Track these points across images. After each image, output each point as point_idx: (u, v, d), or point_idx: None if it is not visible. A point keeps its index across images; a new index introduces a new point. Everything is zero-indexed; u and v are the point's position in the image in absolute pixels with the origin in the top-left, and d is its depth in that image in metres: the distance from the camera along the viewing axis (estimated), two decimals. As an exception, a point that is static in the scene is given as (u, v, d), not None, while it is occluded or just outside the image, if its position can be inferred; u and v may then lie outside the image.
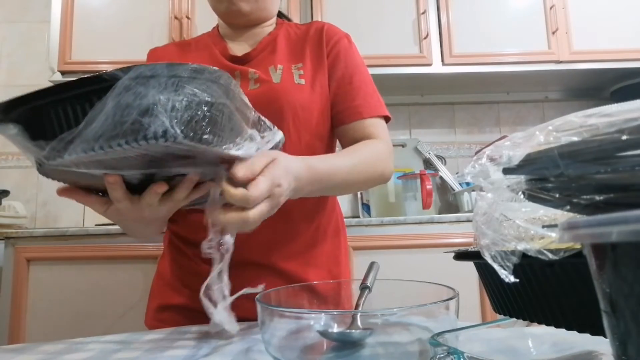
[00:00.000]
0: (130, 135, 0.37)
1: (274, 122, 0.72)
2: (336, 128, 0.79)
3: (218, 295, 0.50)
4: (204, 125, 0.40)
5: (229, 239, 0.50)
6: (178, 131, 0.37)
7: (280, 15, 0.91)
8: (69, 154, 0.37)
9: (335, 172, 0.65)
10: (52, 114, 0.38)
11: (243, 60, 0.79)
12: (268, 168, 0.49)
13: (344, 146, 0.78)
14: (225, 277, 0.50)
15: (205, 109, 0.40)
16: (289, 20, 0.93)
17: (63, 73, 1.89)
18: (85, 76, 0.36)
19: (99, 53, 1.89)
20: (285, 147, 0.72)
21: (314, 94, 0.76)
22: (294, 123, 0.73)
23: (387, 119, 0.80)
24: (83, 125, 0.37)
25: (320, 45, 0.80)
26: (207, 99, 0.40)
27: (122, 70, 0.36)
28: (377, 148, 0.74)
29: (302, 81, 0.75)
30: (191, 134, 0.39)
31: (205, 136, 0.40)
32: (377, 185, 0.76)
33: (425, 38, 1.96)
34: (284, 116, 0.73)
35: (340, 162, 0.66)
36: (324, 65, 0.78)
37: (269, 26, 0.84)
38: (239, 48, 0.82)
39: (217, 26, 0.87)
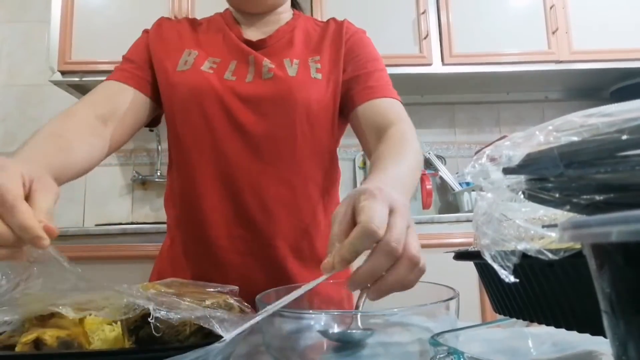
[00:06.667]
0: None
1: (286, 116, 0.72)
2: (351, 112, 0.76)
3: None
4: None
5: None
6: None
7: (293, 4, 0.89)
8: None
9: (404, 176, 0.57)
10: None
11: (258, 45, 0.77)
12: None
13: (358, 130, 0.75)
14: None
15: None
16: (302, 10, 0.92)
17: (63, 73, 1.89)
18: None
19: (99, 53, 1.89)
20: (297, 141, 0.72)
21: (328, 89, 0.75)
22: (308, 118, 0.73)
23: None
24: None
25: (340, 36, 0.79)
26: None
27: None
28: (409, 141, 0.66)
29: (319, 75, 0.75)
30: None
31: None
32: None
33: (425, 38, 1.96)
34: (297, 111, 0.72)
35: (401, 170, 0.58)
36: (340, 57, 0.77)
37: (283, 13, 0.83)
38: (253, 34, 0.80)
39: (229, 10, 0.85)
